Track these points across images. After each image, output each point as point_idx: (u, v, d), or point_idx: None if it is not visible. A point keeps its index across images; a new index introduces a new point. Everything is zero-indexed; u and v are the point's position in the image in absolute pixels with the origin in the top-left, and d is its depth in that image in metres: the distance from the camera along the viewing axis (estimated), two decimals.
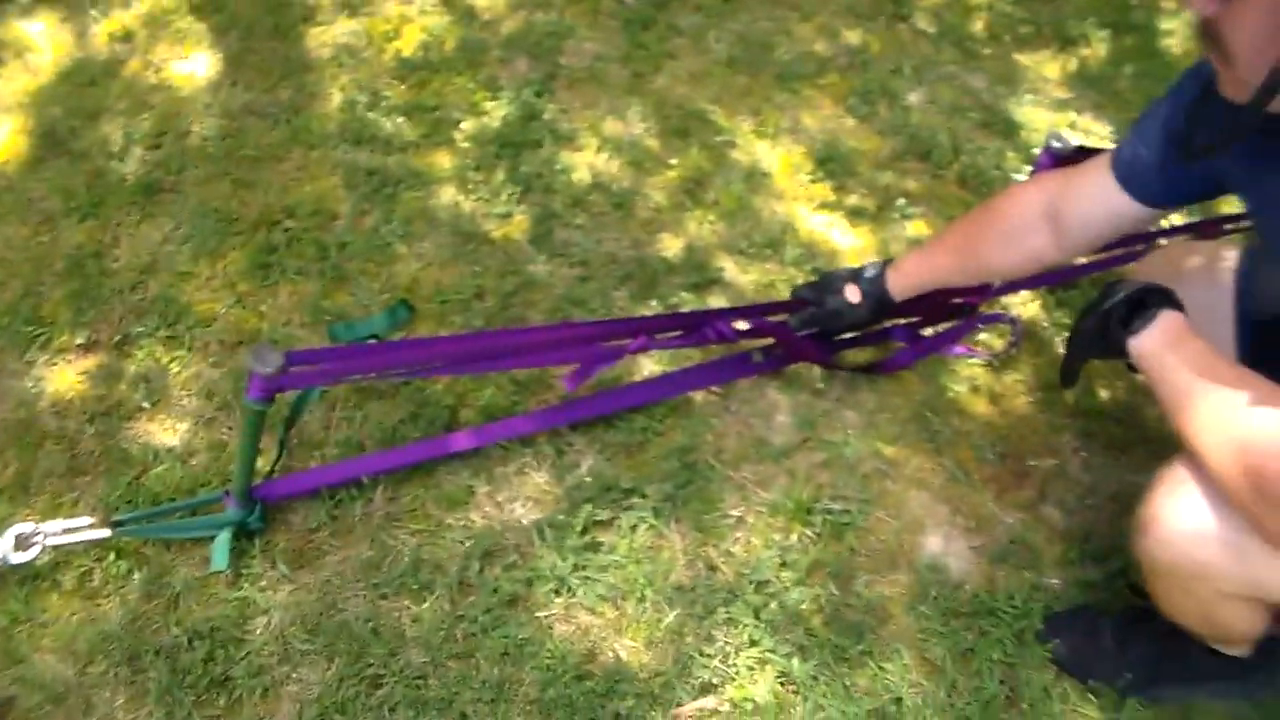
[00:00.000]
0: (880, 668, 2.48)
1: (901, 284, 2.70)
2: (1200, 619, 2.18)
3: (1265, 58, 1.67)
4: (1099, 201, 2.31)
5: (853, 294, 2.74)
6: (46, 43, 3.74)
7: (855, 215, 3.42)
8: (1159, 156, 2.19)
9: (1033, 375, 3.04)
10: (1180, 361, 1.95)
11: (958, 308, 3.03)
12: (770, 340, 2.89)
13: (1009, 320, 3.12)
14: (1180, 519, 1.94)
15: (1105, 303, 2.09)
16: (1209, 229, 3.09)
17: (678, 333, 2.77)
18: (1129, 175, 2.25)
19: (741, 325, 2.80)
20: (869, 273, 2.73)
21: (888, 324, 2.99)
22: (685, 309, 3.04)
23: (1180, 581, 2.06)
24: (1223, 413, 1.82)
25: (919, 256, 2.71)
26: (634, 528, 2.64)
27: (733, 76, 3.83)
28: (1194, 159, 2.00)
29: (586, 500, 2.66)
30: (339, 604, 2.49)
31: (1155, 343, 2.00)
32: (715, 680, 2.44)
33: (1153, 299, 2.03)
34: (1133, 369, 2.08)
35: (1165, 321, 2.00)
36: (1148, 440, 2.93)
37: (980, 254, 2.57)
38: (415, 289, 3.08)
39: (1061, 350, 3.07)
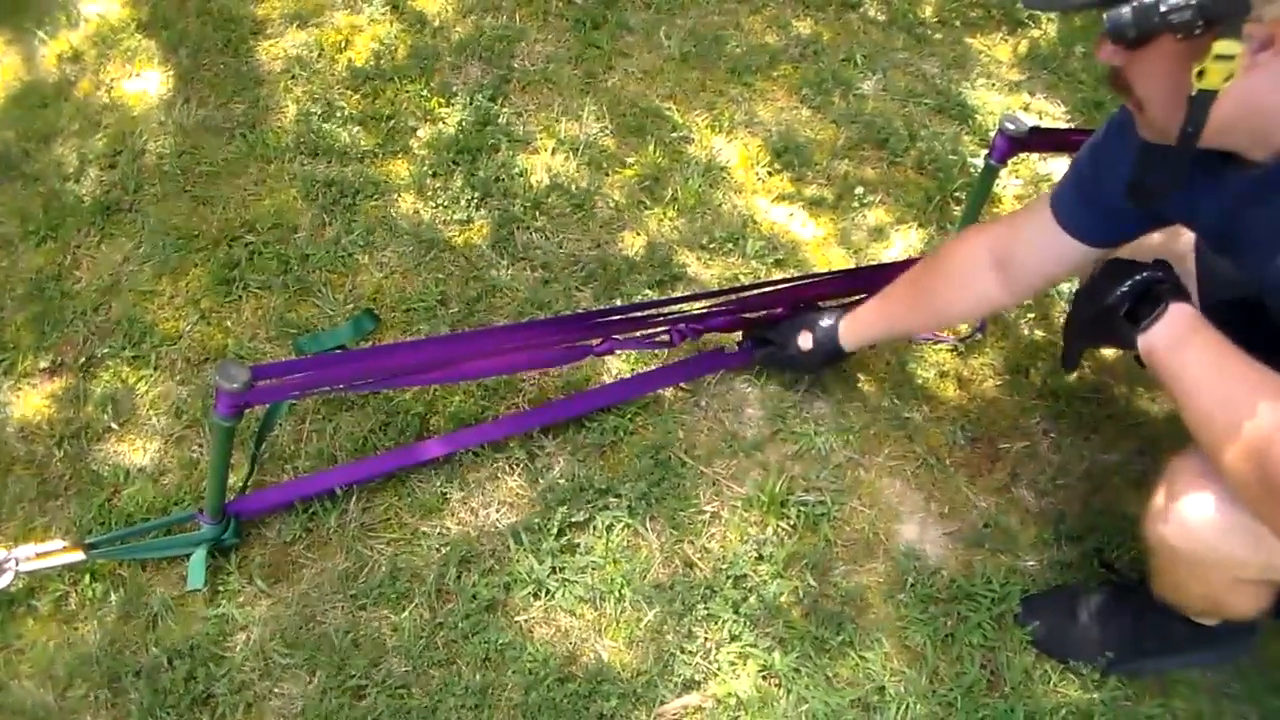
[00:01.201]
0: (861, 657, 2.48)
1: (856, 334, 2.73)
2: (1206, 601, 2.19)
3: (1169, 102, 1.71)
4: (1045, 245, 2.32)
5: (805, 340, 2.78)
6: None
7: (815, 205, 3.43)
8: (1096, 197, 2.21)
9: (999, 358, 3.05)
10: (1192, 358, 1.91)
11: None
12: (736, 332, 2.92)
13: None
14: (1201, 508, 1.94)
15: (1108, 293, 2.05)
16: None
17: (641, 333, 2.79)
18: (1069, 218, 2.26)
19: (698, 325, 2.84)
20: (825, 321, 2.76)
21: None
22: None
23: (1197, 568, 2.06)
24: (1237, 414, 1.79)
25: (873, 307, 2.72)
26: (610, 528, 2.64)
27: (686, 72, 3.84)
28: (1143, 204, 2.00)
29: (561, 502, 2.66)
30: (318, 616, 2.48)
31: (1166, 338, 1.95)
32: (698, 677, 2.44)
33: (1160, 289, 1.98)
34: (1139, 360, 2.03)
35: (1175, 315, 1.95)
36: (1116, 418, 2.95)
37: (932, 301, 2.60)
38: (379, 298, 3.07)
39: (1026, 332, 3.09)
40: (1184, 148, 1.74)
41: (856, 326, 2.73)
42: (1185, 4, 1.58)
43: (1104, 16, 1.68)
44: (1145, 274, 2.02)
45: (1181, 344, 1.93)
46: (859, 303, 2.79)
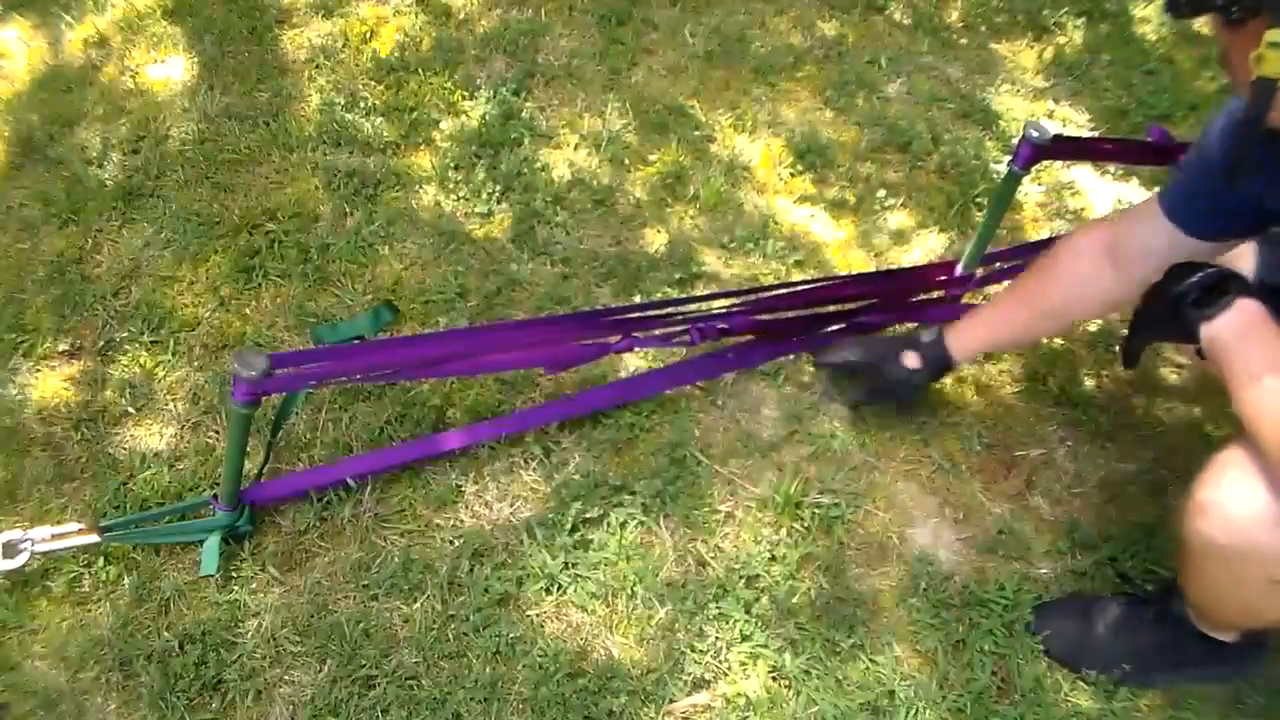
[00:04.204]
0: (872, 661, 2.48)
1: (968, 346, 2.72)
2: (1239, 606, 2.18)
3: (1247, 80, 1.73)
4: (1158, 242, 2.34)
5: (911, 360, 2.75)
6: (20, 50, 3.73)
7: (836, 207, 3.43)
8: (1206, 191, 2.22)
9: (1017, 365, 3.05)
10: (1254, 350, 1.96)
11: (939, 300, 3.06)
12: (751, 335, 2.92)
13: None
14: (1243, 502, 1.94)
15: (1177, 285, 2.10)
16: None
17: (661, 331, 2.79)
18: (1179, 212, 2.28)
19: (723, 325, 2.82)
20: (926, 337, 2.74)
21: (862, 316, 3.02)
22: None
23: (1233, 566, 2.05)
24: None
25: (987, 317, 2.73)
26: (623, 525, 2.64)
27: (710, 71, 3.84)
28: (1231, 180, 2.02)
29: (576, 498, 2.66)
30: (330, 605, 2.48)
31: (1230, 329, 2.00)
32: (708, 676, 2.44)
33: (1229, 284, 2.03)
34: (1201, 354, 2.07)
35: (1241, 308, 2.00)
36: (1133, 428, 2.94)
37: (1053, 305, 2.58)
38: (398, 290, 3.07)
39: (1044, 340, 3.08)
40: (1248, 131, 1.78)
41: (968, 339, 2.71)
42: None
43: None
44: (1217, 269, 2.07)
45: (1244, 335, 1.98)
46: (961, 310, 2.87)
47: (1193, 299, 2.06)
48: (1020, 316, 2.65)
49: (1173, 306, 2.10)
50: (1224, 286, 2.03)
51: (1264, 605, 2.11)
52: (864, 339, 2.90)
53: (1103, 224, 2.54)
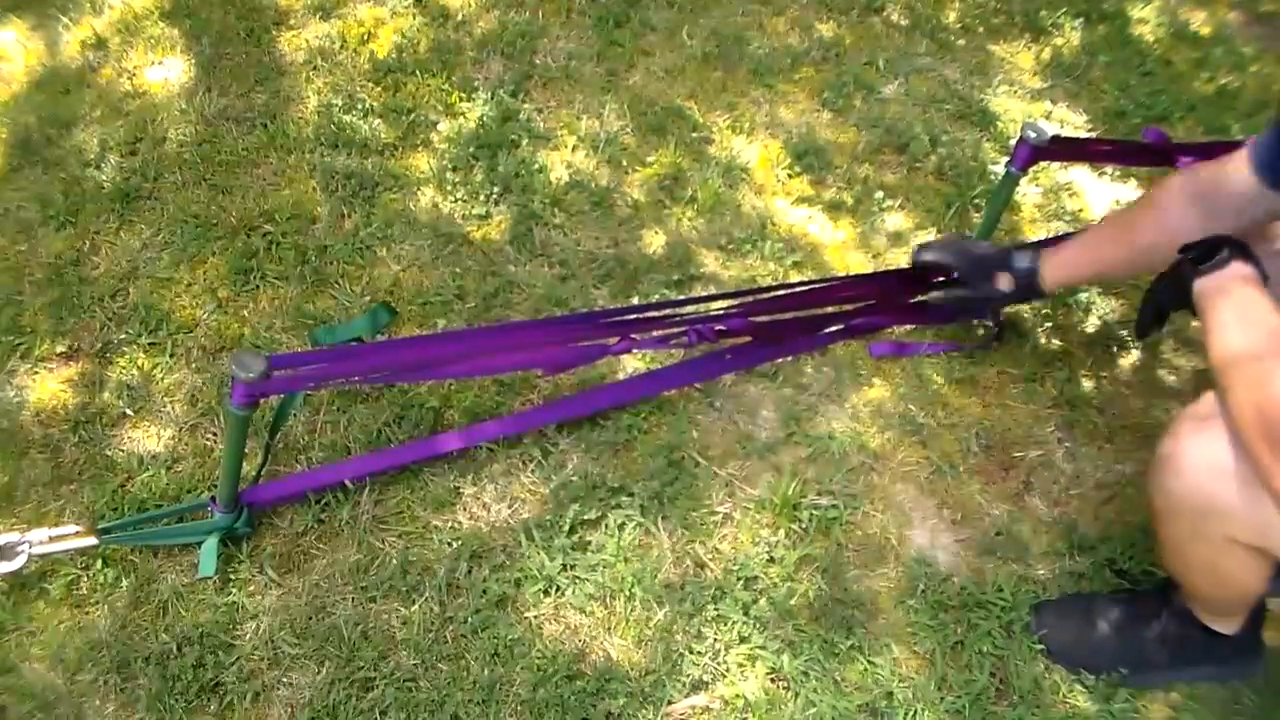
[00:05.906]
0: (870, 662, 2.48)
1: (1058, 275, 2.76)
2: (1207, 569, 2.20)
3: None
4: (1242, 192, 2.35)
5: (1005, 282, 2.81)
6: (17, 51, 3.72)
7: (834, 209, 3.43)
8: None
9: (1015, 366, 3.04)
10: (1232, 304, 2.03)
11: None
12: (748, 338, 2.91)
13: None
14: (1202, 453, 2.00)
15: (1187, 250, 2.18)
16: None
17: (659, 333, 2.79)
18: (1266, 165, 2.29)
19: (721, 327, 2.81)
20: (1021, 263, 2.78)
21: (859, 319, 3.04)
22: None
23: (1192, 522, 2.09)
24: (1256, 363, 1.90)
25: (1077, 248, 2.75)
26: (621, 526, 2.64)
27: (708, 72, 3.83)
28: None
29: (574, 500, 2.66)
30: (328, 607, 2.48)
31: (1217, 284, 2.07)
32: (706, 677, 2.44)
33: (1229, 247, 2.11)
34: (1195, 312, 2.14)
35: (1233, 269, 2.07)
36: (1131, 428, 2.94)
37: (1137, 239, 2.60)
38: (396, 291, 3.07)
39: (1042, 340, 3.09)
40: None
41: (1060, 268, 2.75)
42: None
43: None
44: (1223, 235, 2.16)
45: (1228, 291, 2.05)
46: (1052, 243, 2.92)
47: (1192, 256, 2.14)
48: (1111, 253, 2.68)
49: (1178, 267, 2.19)
50: (1225, 248, 2.11)
51: (1227, 566, 2.14)
52: (965, 244, 2.94)
53: (1197, 170, 2.54)
